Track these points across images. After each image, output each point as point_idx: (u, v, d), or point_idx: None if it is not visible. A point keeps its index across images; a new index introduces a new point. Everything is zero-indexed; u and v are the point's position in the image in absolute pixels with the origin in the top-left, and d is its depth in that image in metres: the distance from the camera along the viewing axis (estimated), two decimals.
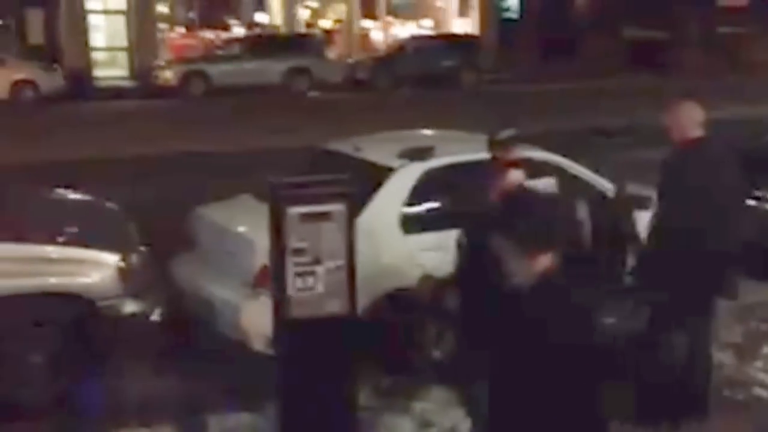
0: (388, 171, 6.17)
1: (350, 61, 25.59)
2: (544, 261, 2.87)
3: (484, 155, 6.48)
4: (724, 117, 15.21)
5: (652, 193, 5.75)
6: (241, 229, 6.01)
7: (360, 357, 4.95)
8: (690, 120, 4.95)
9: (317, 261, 4.50)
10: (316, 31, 27.42)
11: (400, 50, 25.20)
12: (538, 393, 2.82)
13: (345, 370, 4.64)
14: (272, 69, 22.38)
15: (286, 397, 4.64)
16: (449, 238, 6.02)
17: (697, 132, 4.97)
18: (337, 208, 4.53)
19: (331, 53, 25.95)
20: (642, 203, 5.92)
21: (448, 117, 11.45)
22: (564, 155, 6.66)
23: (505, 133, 5.18)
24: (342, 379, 4.63)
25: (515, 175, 4.59)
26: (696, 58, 26.57)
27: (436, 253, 5.95)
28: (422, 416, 5.05)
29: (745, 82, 21.41)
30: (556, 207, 4.11)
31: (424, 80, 23.14)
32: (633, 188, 6.15)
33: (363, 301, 5.54)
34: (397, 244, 5.94)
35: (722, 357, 5.78)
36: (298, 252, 4.48)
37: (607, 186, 6.50)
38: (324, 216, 4.51)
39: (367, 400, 5.11)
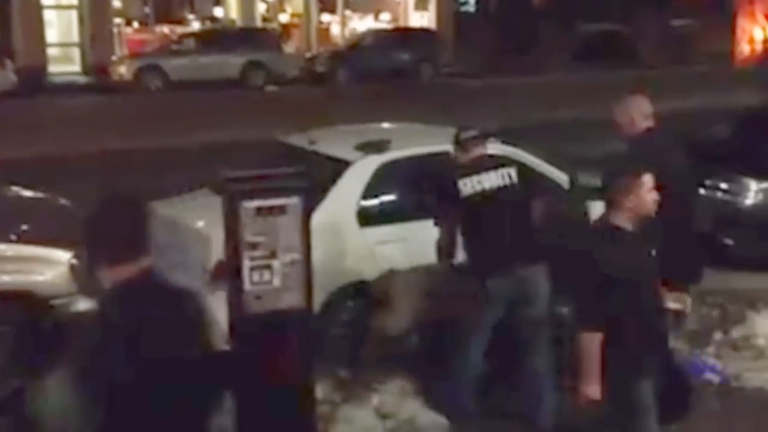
0: (345, 164, 6.17)
1: (308, 55, 25.51)
2: None
3: (440, 147, 6.54)
4: (677, 108, 15.52)
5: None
6: (196, 224, 5.97)
7: (318, 350, 4.95)
8: (639, 113, 5.06)
9: (273, 255, 4.47)
10: (273, 26, 27.29)
11: (358, 44, 25.18)
12: None
13: (302, 363, 4.62)
14: (229, 63, 22.23)
15: (243, 392, 4.62)
16: (406, 230, 6.08)
17: (646, 123, 5.08)
18: (292, 201, 4.50)
19: (289, 47, 25.84)
20: (594, 194, 5.98)
21: (406, 110, 11.46)
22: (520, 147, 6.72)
23: (469, 133, 5.23)
24: (299, 372, 4.61)
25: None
26: (650, 50, 26.91)
27: (394, 245, 5.99)
28: (380, 408, 5.05)
29: (699, 73, 21.74)
30: None
31: (382, 74, 23.15)
32: (583, 179, 6.22)
33: (320, 295, 5.55)
34: (354, 237, 5.94)
35: (675, 343, 5.87)
36: (254, 246, 4.45)
37: (562, 178, 6.57)
38: (280, 209, 4.48)
39: (326, 393, 5.10)
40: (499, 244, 4.87)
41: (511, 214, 4.92)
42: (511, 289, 4.86)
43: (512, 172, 5.04)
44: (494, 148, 6.68)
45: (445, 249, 5.05)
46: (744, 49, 26.23)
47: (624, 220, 3.86)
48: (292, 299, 4.52)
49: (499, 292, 4.87)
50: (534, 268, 4.89)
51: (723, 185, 7.53)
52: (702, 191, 7.70)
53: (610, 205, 3.94)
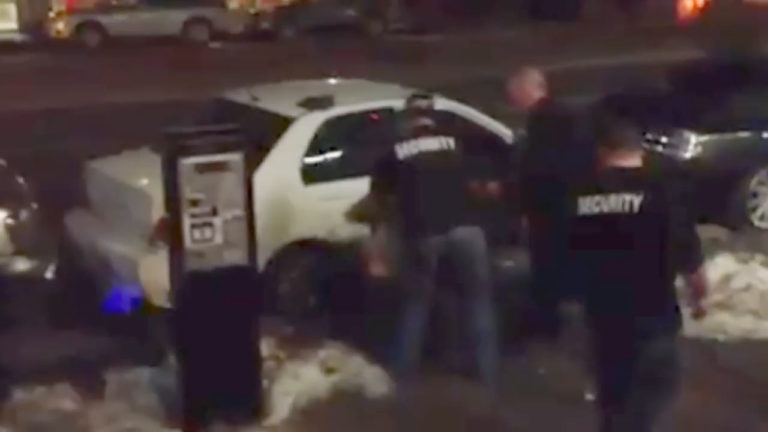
0: (288, 121, 6.11)
1: (252, 11, 25.04)
2: None
3: (384, 104, 6.51)
4: (620, 63, 15.66)
5: None
6: (137, 182, 5.87)
7: (262, 307, 4.94)
8: (532, 84, 5.20)
9: (214, 212, 4.43)
10: None
11: (304, 0, 24.82)
12: None
13: (246, 320, 4.61)
14: (170, 19, 21.74)
15: (187, 351, 4.60)
16: (350, 187, 6.05)
17: (540, 93, 5.33)
18: (233, 157, 4.46)
19: (233, 3, 25.34)
20: None
21: (353, 67, 11.35)
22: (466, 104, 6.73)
23: (419, 102, 5.23)
24: (244, 330, 4.61)
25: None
26: (595, 6, 27.00)
27: (338, 202, 5.97)
28: (326, 363, 5.07)
29: (643, 30, 21.91)
30: None
31: (328, 30, 22.87)
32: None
33: (265, 252, 5.53)
34: (299, 194, 5.91)
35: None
36: (194, 203, 4.40)
37: (506, 133, 6.60)
38: (220, 166, 4.43)
39: (271, 349, 5.10)
40: (432, 206, 4.91)
41: (446, 178, 4.96)
42: (443, 250, 4.91)
43: (451, 141, 5.07)
44: (439, 103, 6.70)
45: (376, 214, 5.12)
46: (687, 4, 26.51)
47: None
48: (234, 256, 4.49)
49: (430, 253, 4.92)
50: (467, 230, 4.94)
51: (663, 139, 7.63)
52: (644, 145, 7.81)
53: None
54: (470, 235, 4.95)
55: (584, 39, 19.55)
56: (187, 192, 4.39)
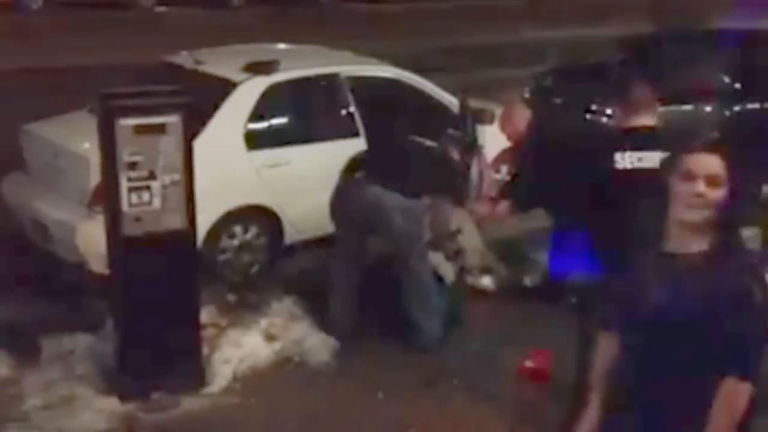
0: (232, 85, 5.98)
1: None
2: None
3: (331, 69, 6.43)
4: (577, 35, 15.74)
5: (495, 108, 5.87)
6: (74, 146, 5.71)
7: (204, 274, 4.87)
8: (521, 117, 5.06)
9: (152, 176, 4.33)
10: None
11: None
12: None
13: (186, 287, 4.53)
14: None
15: (125, 318, 4.51)
16: (295, 153, 5.99)
17: (526, 121, 5.05)
18: (172, 119, 4.35)
19: None
20: (484, 117, 6.00)
21: (303, 34, 11.18)
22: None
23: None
24: (183, 296, 4.53)
25: None
26: None
27: (282, 168, 5.90)
28: (268, 330, 5.02)
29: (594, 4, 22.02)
30: None
31: None
32: (475, 103, 6.23)
33: (207, 218, 5.45)
34: (242, 160, 5.81)
35: None
36: (132, 166, 4.29)
37: (452, 101, 6.56)
38: (158, 128, 4.32)
39: (212, 317, 5.04)
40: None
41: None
42: (359, 220, 5.00)
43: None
44: (386, 70, 6.66)
45: None
46: None
47: None
48: (173, 221, 4.40)
49: (344, 221, 5.03)
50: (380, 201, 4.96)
51: (608, 110, 7.69)
52: (588, 116, 7.88)
53: None
54: (384, 208, 4.97)
55: (512, 10, 19.59)
56: (124, 154, 4.27)
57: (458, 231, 5.90)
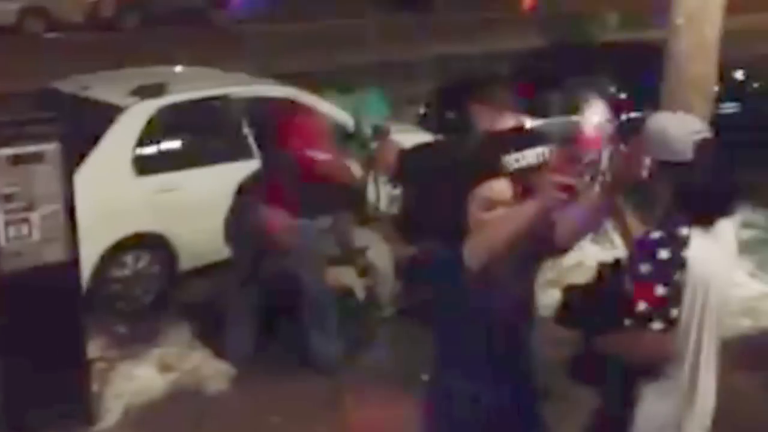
0: (119, 110, 5.82)
1: None
2: None
3: (220, 91, 6.33)
4: (463, 52, 15.99)
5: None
6: None
7: (91, 306, 4.69)
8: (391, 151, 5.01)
9: (31, 207, 4.15)
10: None
11: None
12: None
13: (71, 322, 4.35)
14: (3, 9, 20.51)
15: (8, 355, 4.29)
16: (187, 177, 5.86)
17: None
18: (50, 148, 4.17)
19: None
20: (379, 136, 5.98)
21: (197, 57, 11.02)
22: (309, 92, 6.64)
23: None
24: (69, 330, 4.34)
25: None
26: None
27: (174, 193, 5.75)
28: (162, 361, 4.87)
29: (488, 19, 22.45)
30: None
31: (173, 19, 22.18)
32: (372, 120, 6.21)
33: (94, 249, 5.27)
34: (130, 186, 5.65)
35: None
36: (8, 198, 4.10)
37: (346, 119, 6.54)
38: (36, 157, 4.15)
39: (101, 350, 4.86)
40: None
41: None
42: (253, 241, 4.89)
43: None
44: (273, 90, 6.60)
45: None
46: None
47: None
48: (55, 253, 4.22)
49: (239, 243, 4.97)
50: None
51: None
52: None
53: None
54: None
55: (427, 29, 19.89)
56: (0, 186, 4.09)
57: (365, 248, 5.84)
